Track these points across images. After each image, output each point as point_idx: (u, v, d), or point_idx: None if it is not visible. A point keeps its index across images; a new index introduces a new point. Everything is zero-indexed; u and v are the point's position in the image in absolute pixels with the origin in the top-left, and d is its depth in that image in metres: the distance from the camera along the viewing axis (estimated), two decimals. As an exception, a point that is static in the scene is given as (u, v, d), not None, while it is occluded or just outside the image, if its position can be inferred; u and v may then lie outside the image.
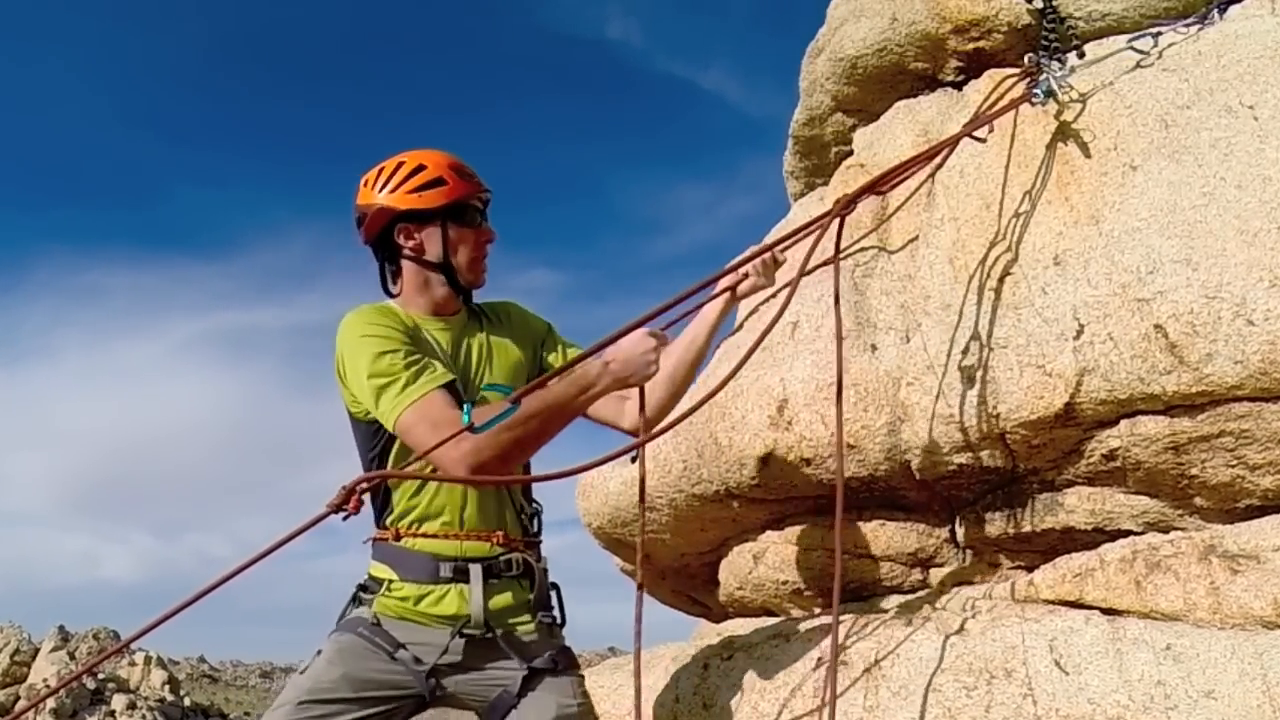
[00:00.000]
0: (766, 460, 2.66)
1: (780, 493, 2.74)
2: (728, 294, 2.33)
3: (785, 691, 2.36)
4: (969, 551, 2.64)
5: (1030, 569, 2.45)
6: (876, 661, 2.25)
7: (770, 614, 3.05)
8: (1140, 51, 2.42)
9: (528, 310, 2.41)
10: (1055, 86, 2.41)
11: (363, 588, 2.12)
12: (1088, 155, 2.37)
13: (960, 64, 3.05)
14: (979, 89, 2.86)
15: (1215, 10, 2.44)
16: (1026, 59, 2.55)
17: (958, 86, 3.08)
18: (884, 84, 3.25)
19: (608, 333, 1.98)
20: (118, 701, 30.75)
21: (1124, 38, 2.51)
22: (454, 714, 2.16)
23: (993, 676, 2.06)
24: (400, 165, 2.15)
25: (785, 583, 2.84)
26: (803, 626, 2.60)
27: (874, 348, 2.63)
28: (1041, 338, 2.23)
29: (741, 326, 3.10)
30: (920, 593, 2.68)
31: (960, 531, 2.63)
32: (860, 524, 2.70)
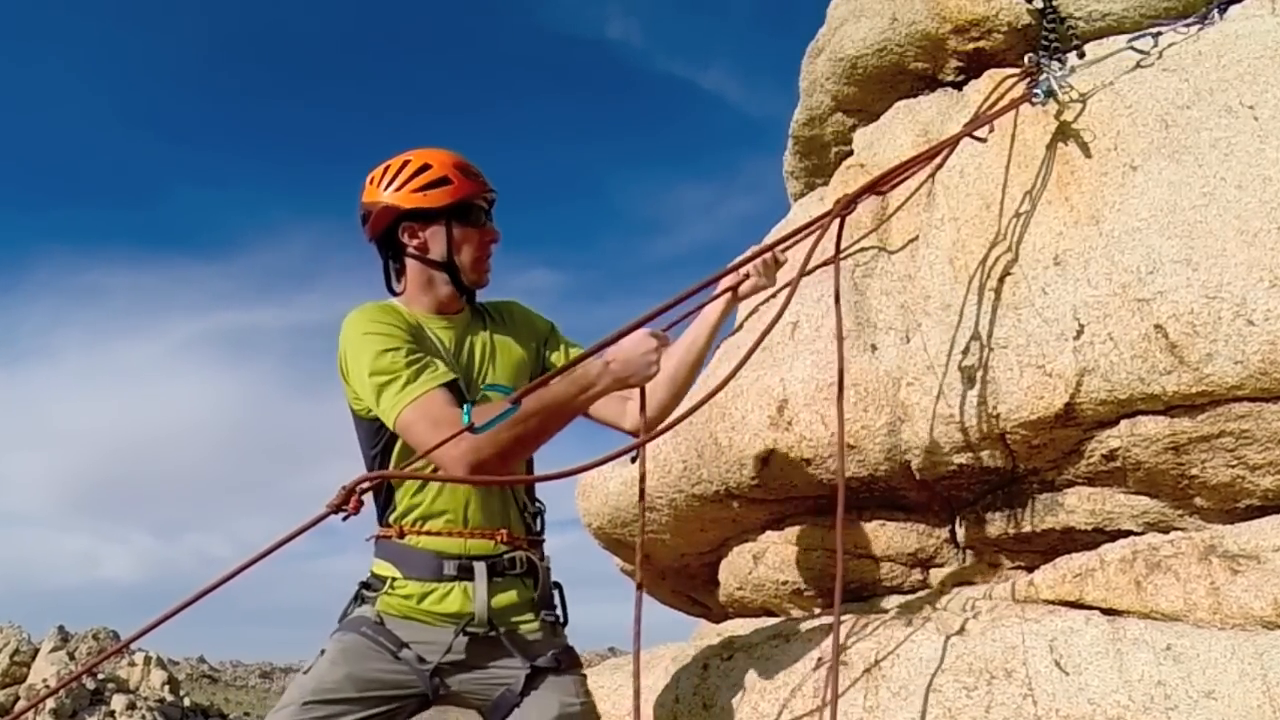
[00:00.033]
0: (766, 460, 2.66)
1: (780, 493, 2.74)
2: (728, 294, 2.33)
3: (785, 692, 2.36)
4: (969, 552, 2.64)
5: (1030, 569, 2.45)
6: (876, 662, 2.25)
7: (770, 614, 3.05)
8: (1140, 51, 2.42)
9: (531, 309, 2.41)
10: (1055, 86, 2.41)
11: (365, 586, 2.12)
12: (1088, 155, 2.37)
13: (960, 64, 3.05)
14: (979, 89, 2.86)
15: (1215, 10, 2.44)
16: (1026, 59, 2.56)
17: (958, 86, 3.08)
18: (884, 84, 3.25)
19: (608, 333, 1.98)
20: (117, 702, 30.74)
21: (1124, 38, 2.52)
22: (454, 713, 2.16)
23: (993, 677, 2.06)
24: (406, 164, 2.15)
25: (785, 583, 2.84)
26: (803, 627, 2.59)
27: (874, 348, 2.63)
28: (1041, 338, 2.23)
29: (742, 326, 3.10)
30: (920, 593, 2.68)
31: (960, 532, 2.62)
32: (860, 524, 2.69)
